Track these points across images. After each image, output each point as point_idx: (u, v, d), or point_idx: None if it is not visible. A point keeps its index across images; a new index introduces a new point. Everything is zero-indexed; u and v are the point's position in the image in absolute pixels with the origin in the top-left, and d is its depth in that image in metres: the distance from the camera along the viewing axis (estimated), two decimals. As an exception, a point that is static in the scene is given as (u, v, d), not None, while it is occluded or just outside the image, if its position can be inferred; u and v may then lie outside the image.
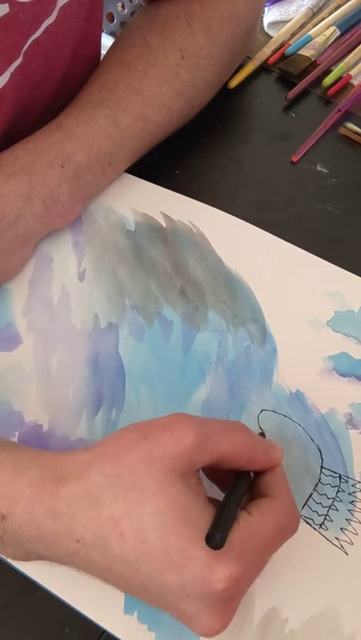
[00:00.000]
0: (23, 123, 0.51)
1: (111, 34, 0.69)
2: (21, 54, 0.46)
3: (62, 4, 0.47)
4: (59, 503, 0.34)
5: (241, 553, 0.33)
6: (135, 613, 0.39)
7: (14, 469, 0.36)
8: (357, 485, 0.43)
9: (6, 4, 0.42)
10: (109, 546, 0.33)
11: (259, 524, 0.35)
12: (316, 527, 0.41)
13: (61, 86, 0.53)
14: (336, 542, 0.41)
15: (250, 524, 0.34)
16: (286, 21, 0.67)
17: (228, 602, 0.34)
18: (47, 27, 0.47)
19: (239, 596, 0.35)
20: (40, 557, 0.36)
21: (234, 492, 0.36)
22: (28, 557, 0.37)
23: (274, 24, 0.67)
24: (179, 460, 0.34)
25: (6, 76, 0.46)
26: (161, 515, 0.33)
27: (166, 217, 0.53)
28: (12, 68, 0.46)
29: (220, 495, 0.37)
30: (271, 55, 0.64)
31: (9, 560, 0.40)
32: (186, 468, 0.34)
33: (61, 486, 0.34)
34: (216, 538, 0.32)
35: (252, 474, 0.38)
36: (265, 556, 0.36)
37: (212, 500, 0.36)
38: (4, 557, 0.40)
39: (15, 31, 0.44)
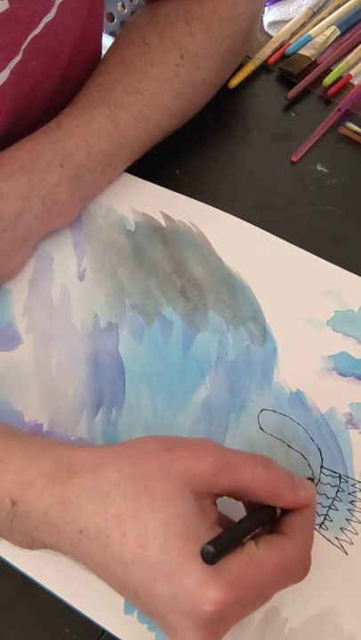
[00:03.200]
0: (23, 121, 0.51)
1: (111, 34, 0.69)
2: (21, 51, 0.46)
3: (61, 0, 0.47)
4: (69, 493, 0.34)
5: (237, 580, 0.33)
6: (135, 613, 0.39)
7: (28, 458, 0.36)
8: (357, 485, 0.43)
9: (6, 1, 0.42)
10: (110, 543, 0.33)
11: (262, 558, 0.34)
12: (316, 527, 0.41)
13: (62, 85, 0.53)
14: (336, 542, 0.41)
15: (253, 555, 0.34)
16: (286, 21, 0.67)
17: (215, 626, 0.33)
18: (47, 23, 0.47)
19: (227, 624, 0.34)
20: (44, 546, 0.36)
21: (247, 519, 0.36)
22: (33, 545, 0.37)
23: (274, 24, 0.67)
24: (193, 479, 0.34)
25: (6, 72, 0.46)
26: (166, 523, 0.33)
27: (166, 217, 0.53)
28: (11, 65, 0.46)
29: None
30: (271, 55, 0.64)
31: (9, 560, 0.40)
32: (200, 488, 0.34)
33: (74, 477, 0.35)
34: (209, 551, 0.32)
35: (278, 511, 0.36)
36: (263, 592, 0.35)
37: (225, 524, 0.36)
38: (4, 557, 0.40)
39: (14, 27, 0.44)
